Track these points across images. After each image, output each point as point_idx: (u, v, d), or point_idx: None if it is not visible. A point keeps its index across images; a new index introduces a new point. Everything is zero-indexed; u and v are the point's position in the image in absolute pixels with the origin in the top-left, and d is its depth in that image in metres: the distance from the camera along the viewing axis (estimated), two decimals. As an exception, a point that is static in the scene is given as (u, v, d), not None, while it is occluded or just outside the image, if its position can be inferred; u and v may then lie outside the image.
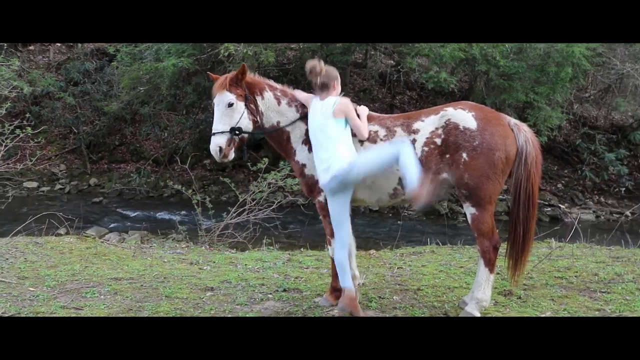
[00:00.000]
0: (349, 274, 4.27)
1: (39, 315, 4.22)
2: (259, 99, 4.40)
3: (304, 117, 4.42)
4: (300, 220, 11.95)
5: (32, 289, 4.85)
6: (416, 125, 4.25)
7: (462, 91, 18.32)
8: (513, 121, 4.30)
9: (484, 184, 4.06)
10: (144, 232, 10.81)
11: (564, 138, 17.54)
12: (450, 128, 4.13)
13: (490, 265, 4.19)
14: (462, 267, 5.77)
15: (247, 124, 4.32)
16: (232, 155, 4.32)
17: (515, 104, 14.28)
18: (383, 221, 13.78)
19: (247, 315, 4.33)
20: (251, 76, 4.45)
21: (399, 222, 13.01)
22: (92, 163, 18.37)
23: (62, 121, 18.64)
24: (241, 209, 8.42)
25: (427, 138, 4.18)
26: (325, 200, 4.28)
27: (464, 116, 4.15)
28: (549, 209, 14.89)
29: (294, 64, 17.36)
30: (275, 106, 4.45)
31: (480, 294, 4.24)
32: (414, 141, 4.18)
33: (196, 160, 16.44)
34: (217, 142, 4.23)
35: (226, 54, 12.60)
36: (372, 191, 4.33)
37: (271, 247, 7.47)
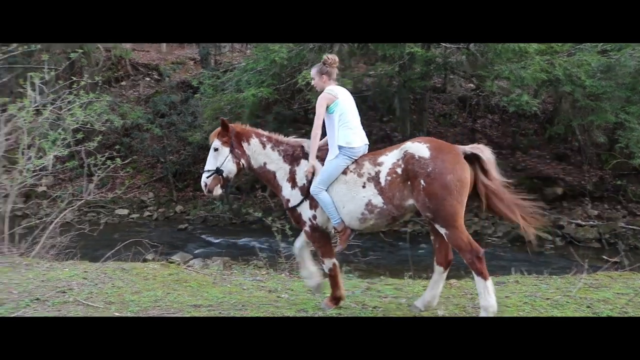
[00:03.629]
0: (335, 211, 4.89)
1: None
2: (245, 144, 5.24)
3: (287, 160, 5.19)
4: (380, 247, 11.85)
5: (117, 314, 5.03)
6: (380, 159, 4.87)
7: (546, 113, 17.72)
8: (469, 147, 4.79)
9: (443, 205, 4.52)
10: (227, 258, 11.05)
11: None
12: (407, 158, 4.68)
13: (481, 274, 4.55)
14: (548, 298, 5.47)
15: (230, 167, 5.20)
16: (217, 192, 5.21)
17: (604, 125, 13.64)
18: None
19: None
20: (241, 126, 5.35)
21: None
22: (178, 191, 19.05)
23: (150, 151, 19.53)
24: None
25: (389, 169, 4.76)
26: (310, 228, 5.08)
27: (419, 147, 4.69)
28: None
29: (372, 90, 17.39)
30: (260, 150, 5.25)
31: (484, 301, 4.56)
32: (378, 172, 4.79)
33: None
34: (204, 180, 5.21)
35: (304, 82, 12.79)
36: (345, 215, 4.90)
37: (350, 275, 7.40)
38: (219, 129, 5.24)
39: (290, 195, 5.13)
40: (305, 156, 5.15)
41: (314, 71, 5.26)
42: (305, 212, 5.09)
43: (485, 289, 4.54)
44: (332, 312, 5.18)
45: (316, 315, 5.11)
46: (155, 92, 22.33)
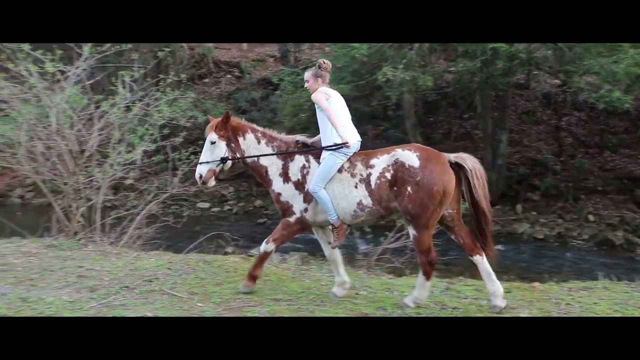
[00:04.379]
0: (333, 208, 5.14)
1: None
2: (240, 139, 5.47)
3: (280, 156, 5.44)
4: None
5: (200, 304, 5.19)
6: (372, 161, 5.17)
7: (639, 110, 16.81)
8: (454, 156, 5.13)
9: (424, 212, 4.88)
10: (304, 253, 11.14)
11: None
12: (398, 166, 5.01)
13: (426, 275, 5.09)
14: (640, 307, 5.22)
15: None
16: (211, 183, 5.49)
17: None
18: (548, 251, 12.97)
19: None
20: (237, 120, 5.58)
21: (566, 253, 12.15)
22: (258, 186, 19.36)
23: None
24: (399, 234, 8.37)
25: (379, 173, 5.08)
26: (296, 220, 5.36)
27: (409, 156, 5.02)
28: None
29: (453, 87, 17.07)
30: (255, 144, 5.50)
31: (417, 293, 5.19)
32: (369, 175, 5.11)
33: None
34: (199, 171, 5.41)
35: (384, 79, 12.70)
36: (339, 211, 5.17)
37: (428, 274, 7.30)
38: (214, 121, 5.48)
39: (282, 189, 5.41)
40: (298, 151, 5.48)
41: (309, 74, 5.48)
42: (299, 204, 5.37)
43: (423, 286, 5.16)
44: (411, 311, 5.13)
45: (394, 315, 5.08)
46: (237, 89, 22.83)
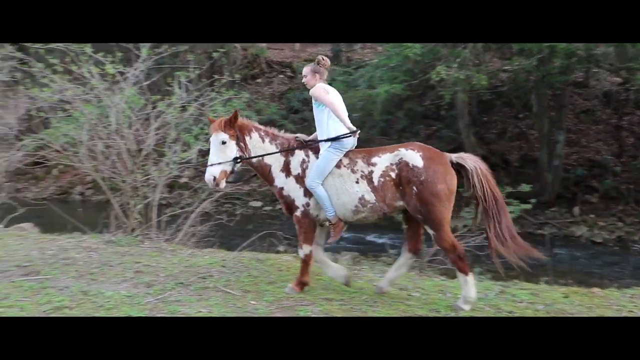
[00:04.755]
0: (330, 204, 5.21)
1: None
2: (247, 138, 5.43)
3: (282, 153, 5.46)
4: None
5: (253, 302, 5.24)
6: (374, 159, 5.23)
7: None
8: (455, 156, 5.23)
9: (432, 210, 4.97)
10: (355, 253, 11.12)
11: None
12: (402, 165, 5.08)
13: (462, 271, 5.07)
14: None
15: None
16: (223, 184, 5.38)
17: None
18: (608, 255, 12.55)
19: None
20: (241, 119, 5.49)
21: (627, 257, 11.73)
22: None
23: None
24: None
25: (382, 171, 5.15)
26: (302, 214, 5.40)
27: (413, 156, 5.09)
28: None
29: (507, 86, 16.73)
30: (260, 143, 5.48)
31: (465, 292, 5.10)
32: (371, 172, 5.17)
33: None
34: (212, 172, 5.27)
35: (437, 78, 12.56)
36: (340, 207, 5.23)
37: (482, 277, 7.19)
38: (220, 121, 5.40)
39: (284, 183, 5.45)
40: (299, 147, 5.52)
41: (308, 69, 5.54)
42: (300, 198, 5.41)
43: (466, 282, 5.08)
44: (464, 314, 5.06)
45: (449, 316, 5.01)
46: (289, 89, 23.00)
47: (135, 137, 8.64)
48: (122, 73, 8.64)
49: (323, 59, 5.55)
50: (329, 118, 5.33)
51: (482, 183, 5.13)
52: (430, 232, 5.11)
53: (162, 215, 8.89)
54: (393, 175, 5.12)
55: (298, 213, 5.44)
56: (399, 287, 6.04)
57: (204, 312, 4.86)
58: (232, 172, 5.44)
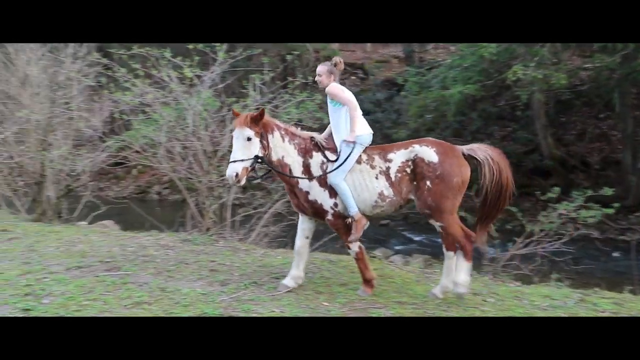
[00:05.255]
0: (353, 200, 5.26)
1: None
2: (269, 136, 5.34)
3: (300, 153, 5.44)
4: (594, 255, 10.95)
5: (325, 303, 5.26)
6: (390, 155, 5.35)
7: None
8: (466, 148, 5.39)
9: (443, 202, 5.13)
10: (427, 256, 11.00)
11: None
12: (417, 161, 5.21)
13: (466, 255, 5.26)
14: None
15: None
16: (243, 181, 5.24)
17: None
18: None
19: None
20: (265, 117, 5.36)
21: None
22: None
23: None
24: (528, 240, 8.03)
25: (398, 167, 5.28)
26: (333, 217, 5.41)
27: (427, 152, 5.22)
28: None
29: (588, 85, 16.09)
30: (280, 142, 5.41)
31: (459, 278, 5.29)
32: (388, 168, 5.29)
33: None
34: (235, 169, 5.14)
35: (514, 78, 12.23)
36: (360, 202, 5.29)
37: (560, 284, 6.94)
38: (245, 116, 5.27)
39: (309, 187, 5.42)
40: (316, 148, 5.50)
41: (323, 69, 5.53)
42: (326, 201, 5.40)
43: (463, 267, 5.26)
44: (541, 314, 4.89)
45: (523, 316, 4.86)
46: (361, 90, 22.96)
47: (211, 138, 8.85)
48: (199, 76, 8.89)
49: (340, 61, 5.58)
50: (346, 117, 5.42)
51: (492, 172, 5.26)
52: (437, 224, 5.27)
53: (236, 215, 9.07)
54: (409, 170, 5.25)
55: (329, 217, 5.45)
56: (474, 292, 5.92)
57: (276, 312, 4.92)
58: (252, 169, 5.37)
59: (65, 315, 4.64)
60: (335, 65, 5.55)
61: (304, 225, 5.78)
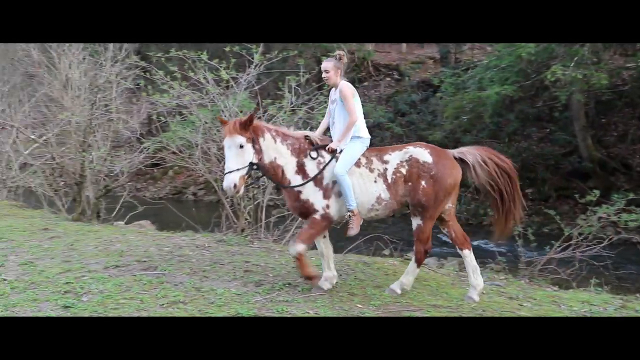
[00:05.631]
0: (353, 194, 5.20)
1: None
2: (261, 140, 5.21)
3: (294, 153, 5.34)
4: (635, 261, 10.67)
5: (359, 306, 5.24)
6: (386, 157, 5.40)
7: None
8: (457, 151, 5.51)
9: (434, 203, 5.24)
10: (462, 259, 10.86)
11: None
12: (412, 162, 5.30)
13: (418, 263, 5.53)
14: None
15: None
16: (242, 190, 5.20)
17: None
18: None
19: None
20: (254, 121, 5.23)
21: None
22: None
23: (389, 149, 20.08)
24: (566, 244, 7.88)
25: (394, 168, 5.33)
26: (322, 217, 5.31)
27: (422, 152, 5.34)
28: None
29: (630, 85, 15.71)
30: (272, 144, 5.27)
31: (404, 279, 5.58)
32: (385, 170, 5.33)
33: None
34: (232, 180, 5.01)
35: (552, 79, 12.01)
36: (357, 205, 5.25)
37: (599, 289, 6.80)
38: (234, 122, 5.11)
39: (303, 186, 5.29)
40: (310, 147, 5.41)
41: (330, 64, 5.45)
42: (319, 202, 5.30)
43: (413, 272, 5.56)
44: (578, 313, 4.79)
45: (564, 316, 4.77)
46: (396, 92, 22.89)
47: (247, 140, 8.92)
48: (235, 78, 8.98)
49: (343, 55, 5.54)
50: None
51: (488, 171, 5.36)
52: (417, 222, 5.35)
53: (270, 216, 9.12)
54: (404, 171, 5.30)
55: (317, 216, 5.33)
56: (509, 296, 5.83)
57: (310, 314, 4.92)
58: (249, 175, 5.27)
59: (104, 313, 4.74)
60: (340, 59, 5.49)
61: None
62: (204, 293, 5.40)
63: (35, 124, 13.64)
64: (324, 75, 5.52)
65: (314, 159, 5.38)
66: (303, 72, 9.11)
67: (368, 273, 6.44)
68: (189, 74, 9.11)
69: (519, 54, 12.71)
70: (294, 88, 8.95)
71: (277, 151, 5.32)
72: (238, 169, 5.05)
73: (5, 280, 5.61)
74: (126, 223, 10.89)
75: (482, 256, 10.74)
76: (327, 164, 5.36)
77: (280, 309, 5.00)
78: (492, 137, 18.24)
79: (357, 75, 24.73)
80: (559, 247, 7.91)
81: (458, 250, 5.63)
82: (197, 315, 4.77)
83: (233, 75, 8.94)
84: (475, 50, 24.49)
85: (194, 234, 8.59)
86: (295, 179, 5.33)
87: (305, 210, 5.39)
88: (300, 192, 5.33)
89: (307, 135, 5.54)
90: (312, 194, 5.31)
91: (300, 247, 5.35)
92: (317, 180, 5.33)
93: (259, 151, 5.19)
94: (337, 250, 8.20)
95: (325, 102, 8.92)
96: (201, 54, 8.92)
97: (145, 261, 6.51)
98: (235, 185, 5.03)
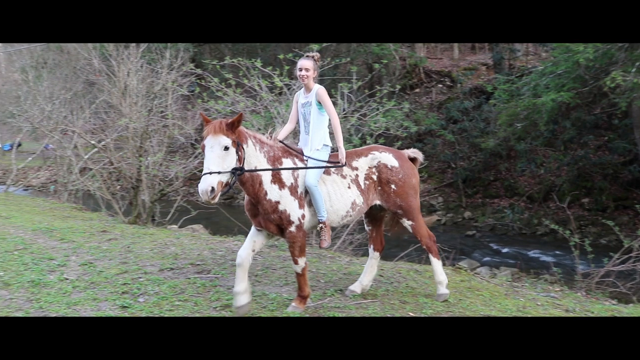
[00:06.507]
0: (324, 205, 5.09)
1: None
2: (244, 145, 4.80)
3: (269, 162, 4.99)
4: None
5: (411, 314, 5.22)
6: (355, 163, 5.44)
7: None
8: (411, 151, 5.86)
9: (410, 201, 5.53)
10: (515, 269, 10.67)
11: None
12: (381, 167, 5.48)
13: (435, 254, 5.72)
14: None
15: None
16: (218, 198, 4.54)
17: None
18: None
19: None
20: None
21: None
22: (467, 197, 19.02)
23: (441, 157, 19.89)
24: (626, 256, 7.61)
25: (365, 174, 5.45)
26: (297, 229, 5.01)
27: (388, 157, 5.54)
28: None
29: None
30: (253, 152, 4.90)
31: (439, 277, 5.72)
32: (357, 176, 5.39)
33: (573, 198, 15.56)
34: (210, 182, 4.48)
35: (612, 85, 11.65)
36: (332, 213, 5.19)
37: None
38: (220, 122, 4.62)
39: (280, 197, 4.98)
40: (285, 155, 5.14)
41: (310, 64, 5.28)
42: (295, 211, 5.03)
43: (438, 264, 5.72)
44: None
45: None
46: (448, 99, 22.67)
47: (299, 146, 8.99)
48: (288, 85, 9.07)
49: (319, 57, 5.50)
50: (326, 126, 5.34)
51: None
52: (409, 223, 5.60)
53: (321, 222, 9.14)
54: (375, 177, 5.46)
55: (292, 228, 5.00)
56: (565, 309, 5.69)
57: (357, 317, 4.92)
58: (228, 184, 4.68)
59: (159, 314, 4.86)
60: (316, 61, 5.36)
61: (261, 237, 5.31)
62: (256, 297, 5.47)
63: (95, 129, 14.14)
64: (303, 73, 5.24)
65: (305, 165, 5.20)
66: (355, 79, 9.13)
67: (420, 281, 6.40)
68: (243, 81, 9.25)
69: (576, 60, 12.38)
70: (347, 95, 8.98)
71: (258, 159, 4.94)
72: (219, 172, 4.54)
73: (67, 279, 5.83)
74: (180, 227, 11.12)
75: (536, 266, 10.56)
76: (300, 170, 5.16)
77: (331, 315, 5.02)
78: (547, 144, 17.84)
79: (408, 82, 24.61)
80: (618, 259, 7.65)
81: (374, 251, 5.90)
82: (249, 317, 4.84)
83: (286, 82, 9.04)
84: (530, 56, 24.05)
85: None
86: (271, 189, 4.97)
87: (281, 222, 5.02)
88: (278, 202, 4.97)
89: (281, 142, 5.27)
90: (289, 204, 4.98)
91: (301, 262, 5.12)
92: (293, 188, 5.04)
93: (241, 158, 4.74)
94: (388, 257, 8.22)
95: (378, 109, 8.93)
96: (255, 61, 9.06)
97: (199, 264, 6.64)
98: (212, 189, 4.48)
